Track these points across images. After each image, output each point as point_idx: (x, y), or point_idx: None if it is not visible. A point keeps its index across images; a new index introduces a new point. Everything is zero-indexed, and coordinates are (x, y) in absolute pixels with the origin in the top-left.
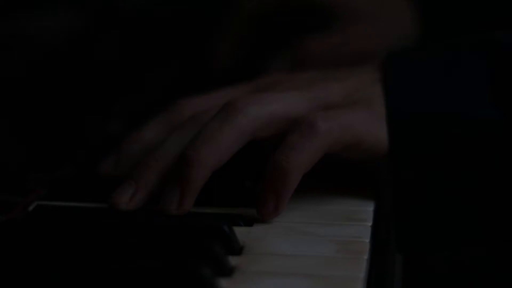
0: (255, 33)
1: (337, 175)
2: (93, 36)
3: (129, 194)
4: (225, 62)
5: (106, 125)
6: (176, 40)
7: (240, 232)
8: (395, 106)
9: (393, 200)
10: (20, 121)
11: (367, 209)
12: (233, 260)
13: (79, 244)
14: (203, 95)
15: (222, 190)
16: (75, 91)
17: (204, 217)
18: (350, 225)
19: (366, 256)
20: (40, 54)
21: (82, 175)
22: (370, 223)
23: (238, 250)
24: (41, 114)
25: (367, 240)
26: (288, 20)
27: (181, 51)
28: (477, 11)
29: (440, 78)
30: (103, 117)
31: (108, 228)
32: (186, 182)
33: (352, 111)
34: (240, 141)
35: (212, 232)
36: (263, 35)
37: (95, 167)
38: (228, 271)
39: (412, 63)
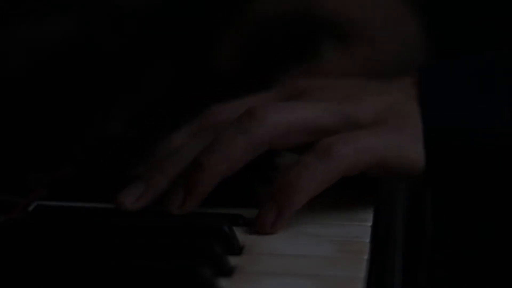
0: (259, 39)
1: None
2: (93, 36)
3: (136, 194)
4: (228, 65)
5: (106, 125)
6: (177, 40)
7: (240, 232)
8: (434, 124)
9: (433, 221)
10: (20, 121)
11: (367, 209)
12: (233, 260)
13: (79, 244)
14: (236, 101)
15: (222, 190)
16: (75, 91)
17: (204, 217)
18: (350, 225)
19: (366, 256)
20: (40, 54)
21: (82, 175)
22: (370, 223)
23: (238, 250)
24: (41, 114)
25: (367, 240)
26: (293, 30)
27: (182, 52)
28: (482, 23)
29: (477, 94)
30: (103, 117)
31: (108, 228)
32: (193, 185)
33: (376, 134)
34: (254, 150)
35: (212, 232)
36: (268, 42)
37: (95, 167)
38: (228, 271)
39: (449, 79)
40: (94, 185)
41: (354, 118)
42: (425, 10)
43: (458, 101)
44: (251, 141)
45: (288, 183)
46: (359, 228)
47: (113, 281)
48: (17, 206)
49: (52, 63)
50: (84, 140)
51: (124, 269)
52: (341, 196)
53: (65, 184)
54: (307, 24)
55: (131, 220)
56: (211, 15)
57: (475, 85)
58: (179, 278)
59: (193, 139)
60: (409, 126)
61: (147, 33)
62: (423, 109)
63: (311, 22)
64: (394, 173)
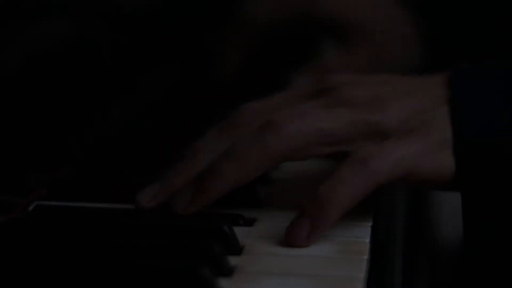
0: (259, 42)
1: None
2: (93, 36)
3: (152, 194)
4: (229, 67)
5: (106, 125)
6: (177, 41)
7: (240, 232)
8: (465, 130)
9: (464, 229)
10: (20, 121)
11: (367, 209)
12: (233, 260)
13: (79, 244)
14: (264, 100)
15: None
16: (75, 91)
17: (204, 217)
18: (350, 225)
19: (366, 256)
20: (41, 55)
21: (82, 175)
22: (370, 223)
23: (238, 250)
24: (41, 114)
25: (367, 240)
26: (294, 34)
27: (182, 53)
28: (478, 23)
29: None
30: (103, 118)
31: (108, 228)
32: (203, 189)
33: (406, 144)
34: (269, 162)
35: (212, 232)
36: (268, 46)
37: (95, 167)
38: (228, 271)
39: (482, 82)
40: (94, 185)
41: (378, 127)
42: (421, 11)
43: (491, 106)
44: (266, 153)
45: (323, 198)
46: (359, 228)
47: (113, 281)
48: (17, 206)
49: (52, 63)
50: (84, 140)
51: (124, 269)
52: None
53: (65, 184)
54: (308, 25)
55: (131, 220)
56: (212, 16)
57: (509, 88)
58: (179, 278)
59: (213, 142)
60: (438, 132)
61: (148, 33)
62: (453, 114)
63: (311, 23)
64: (424, 183)
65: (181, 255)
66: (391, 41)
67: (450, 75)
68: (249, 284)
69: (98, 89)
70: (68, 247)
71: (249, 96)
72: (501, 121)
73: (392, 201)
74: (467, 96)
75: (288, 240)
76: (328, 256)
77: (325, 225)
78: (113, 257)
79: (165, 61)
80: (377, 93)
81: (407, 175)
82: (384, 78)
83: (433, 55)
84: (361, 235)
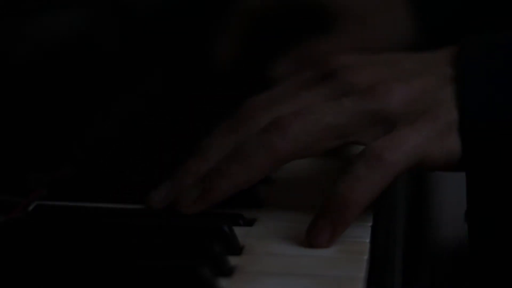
0: (254, 34)
1: (337, 175)
2: (92, 36)
3: (163, 194)
4: (224, 62)
5: (106, 125)
6: (175, 40)
7: (240, 232)
8: (472, 110)
9: (467, 212)
10: (20, 121)
11: (367, 209)
12: (233, 260)
13: (79, 244)
14: (269, 92)
15: None
16: (75, 91)
17: (204, 217)
18: (351, 225)
19: (366, 256)
20: (41, 54)
21: (82, 175)
22: (370, 223)
23: (238, 250)
24: (41, 114)
25: (367, 240)
26: (286, 21)
27: (180, 51)
28: (476, 10)
29: None
30: (103, 117)
31: (108, 228)
32: (208, 189)
33: (416, 130)
34: (276, 164)
35: (212, 232)
36: (262, 36)
37: (95, 167)
38: (228, 271)
39: (490, 58)
40: (94, 185)
41: (385, 114)
42: (421, 2)
43: (498, 84)
44: (273, 155)
45: (343, 199)
46: (359, 228)
47: (113, 281)
48: (17, 206)
49: (52, 63)
50: (84, 140)
51: (124, 269)
52: None
53: (65, 184)
54: (300, 10)
55: (131, 220)
56: (206, 12)
57: None
58: (179, 278)
59: (220, 139)
60: (444, 114)
61: (147, 32)
62: (458, 94)
63: (303, 8)
64: (434, 167)
65: (181, 255)
66: (382, 25)
67: (456, 51)
68: (249, 284)
69: (98, 89)
70: (68, 247)
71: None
72: (508, 99)
73: (392, 201)
74: (472, 74)
75: (310, 241)
76: (328, 256)
77: (346, 225)
78: (113, 257)
79: (165, 60)
80: (380, 76)
81: (419, 162)
82: (387, 57)
83: (430, 43)
84: (361, 235)
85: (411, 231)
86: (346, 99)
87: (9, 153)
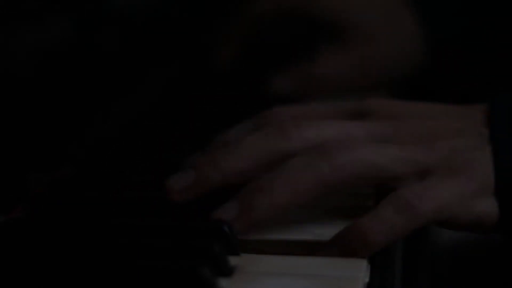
0: (257, 39)
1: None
2: (93, 36)
3: (186, 184)
4: (226, 65)
5: (106, 125)
6: (176, 40)
7: None
8: (508, 174)
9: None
10: (20, 121)
11: (367, 209)
12: (233, 260)
13: (79, 244)
14: (299, 106)
15: (223, 190)
16: (75, 91)
17: (204, 216)
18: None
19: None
20: (41, 54)
21: (82, 175)
22: None
23: (238, 250)
24: (41, 114)
25: None
26: (293, 35)
27: (181, 52)
28: (484, 24)
29: None
30: (103, 117)
31: (108, 228)
32: (249, 207)
33: (450, 187)
34: (320, 190)
35: (212, 232)
36: (266, 40)
37: (95, 167)
38: (228, 271)
39: None
40: (94, 185)
41: (425, 165)
42: (424, 10)
43: None
44: (319, 181)
45: (360, 234)
46: None
47: (113, 281)
48: (17, 206)
49: (52, 63)
50: (84, 140)
51: (124, 269)
52: (341, 195)
53: (65, 184)
54: (304, 22)
55: (131, 220)
56: (209, 14)
57: None
58: (179, 278)
59: (259, 143)
60: (481, 175)
61: (147, 33)
62: (494, 157)
63: (308, 20)
64: (459, 227)
65: (181, 255)
66: (390, 40)
67: (489, 110)
68: (249, 284)
69: (98, 89)
70: (68, 247)
71: (245, 95)
72: None
73: None
74: (506, 136)
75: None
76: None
77: (355, 257)
78: (113, 257)
79: (165, 60)
80: (422, 129)
81: (446, 220)
82: (423, 109)
83: (438, 58)
84: None
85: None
86: (391, 144)
87: (9, 153)
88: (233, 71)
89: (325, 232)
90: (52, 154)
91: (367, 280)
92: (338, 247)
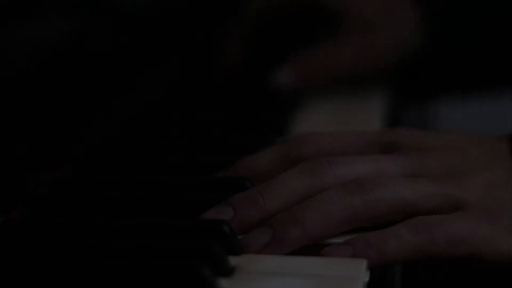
0: (261, 37)
1: None
2: (92, 35)
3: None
4: (229, 65)
5: (106, 125)
6: (177, 40)
7: None
8: None
9: None
10: (20, 121)
11: None
12: (233, 260)
13: (79, 244)
14: (325, 134)
15: (223, 190)
16: (75, 91)
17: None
18: None
19: None
20: (41, 54)
21: (82, 175)
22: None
23: (238, 250)
24: (41, 114)
25: None
26: (294, 28)
27: (182, 52)
28: (484, 11)
29: None
30: (103, 117)
31: (108, 228)
32: (280, 237)
33: (471, 223)
34: (351, 224)
35: (212, 232)
36: (269, 41)
37: (95, 167)
38: (228, 271)
39: None
40: (94, 185)
41: (456, 199)
42: (428, 3)
43: None
44: (352, 215)
45: (369, 246)
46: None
47: (113, 281)
48: (17, 206)
49: (52, 63)
50: (84, 140)
51: (124, 269)
52: None
53: (65, 184)
54: (305, 13)
55: (131, 220)
56: (211, 13)
57: None
58: (179, 278)
59: (292, 182)
60: (506, 215)
61: (148, 32)
62: None
63: (309, 11)
64: (492, 267)
65: (181, 255)
66: (389, 29)
67: None
68: (249, 284)
69: (98, 89)
70: (68, 247)
71: (248, 96)
72: None
73: None
74: None
75: (322, 253)
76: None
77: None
78: (113, 257)
79: (165, 60)
80: (451, 161)
81: (466, 256)
82: (449, 139)
83: (437, 45)
84: None
85: None
86: (423, 179)
87: (9, 153)
88: (238, 67)
89: None
90: (52, 154)
91: (367, 280)
92: (349, 248)
